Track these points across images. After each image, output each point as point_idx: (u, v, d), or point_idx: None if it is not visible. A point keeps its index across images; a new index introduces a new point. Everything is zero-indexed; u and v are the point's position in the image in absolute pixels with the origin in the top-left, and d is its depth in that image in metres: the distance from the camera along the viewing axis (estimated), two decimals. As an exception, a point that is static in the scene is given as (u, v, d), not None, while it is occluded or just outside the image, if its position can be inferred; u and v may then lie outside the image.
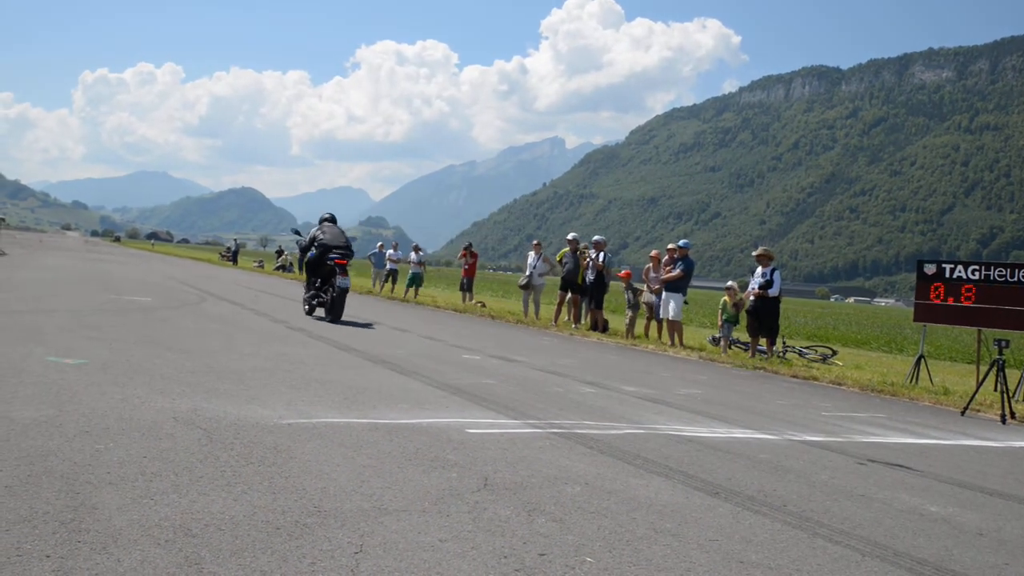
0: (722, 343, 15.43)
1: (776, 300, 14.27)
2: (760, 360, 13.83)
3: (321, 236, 13.81)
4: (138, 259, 42.39)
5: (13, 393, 4.94)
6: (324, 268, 13.58)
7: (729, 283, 16.06)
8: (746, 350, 15.61)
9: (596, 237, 18.01)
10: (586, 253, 17.71)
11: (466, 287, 24.27)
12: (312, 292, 13.88)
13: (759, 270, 14.61)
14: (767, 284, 14.24)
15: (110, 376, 5.90)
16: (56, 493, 3.15)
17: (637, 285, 17.46)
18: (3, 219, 38.40)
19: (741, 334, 17.81)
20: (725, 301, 15.61)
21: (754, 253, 15.37)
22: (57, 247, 52.84)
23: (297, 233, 16.31)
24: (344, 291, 13.18)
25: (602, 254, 17.35)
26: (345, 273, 13.34)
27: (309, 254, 14.02)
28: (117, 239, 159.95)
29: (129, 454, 3.82)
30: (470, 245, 24.51)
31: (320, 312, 14.17)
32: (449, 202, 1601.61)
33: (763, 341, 14.68)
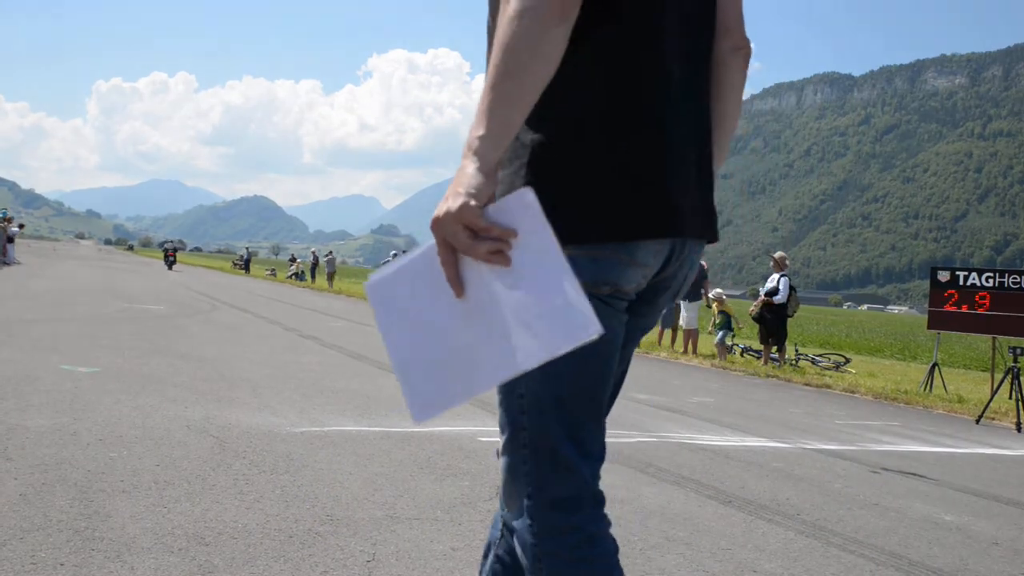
0: (719, 350, 15.38)
1: (783, 307, 14.18)
2: (772, 368, 13.78)
3: None
4: (151, 268, 42.59)
5: (27, 401, 4.96)
6: None
7: (715, 291, 15.97)
8: (759, 358, 15.56)
9: None
10: None
11: None
12: None
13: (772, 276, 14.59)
14: (772, 291, 14.18)
15: (123, 384, 5.93)
16: (70, 501, 3.16)
17: None
18: (23, 225, 38.74)
19: (754, 342, 17.77)
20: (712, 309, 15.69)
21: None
22: (70, 256, 53.17)
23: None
24: None
25: None
26: None
27: None
28: (130, 248, 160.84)
29: (142, 462, 3.84)
30: None
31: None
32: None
33: (774, 349, 14.64)
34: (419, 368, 1.28)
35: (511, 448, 1.49)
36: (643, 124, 1.41)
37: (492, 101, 1.24)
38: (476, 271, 1.22)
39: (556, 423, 1.43)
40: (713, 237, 1.58)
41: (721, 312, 15.41)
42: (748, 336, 20.51)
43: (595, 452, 1.47)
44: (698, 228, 1.50)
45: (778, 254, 14.93)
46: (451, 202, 1.20)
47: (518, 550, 1.48)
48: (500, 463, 1.51)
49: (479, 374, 1.23)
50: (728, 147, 1.75)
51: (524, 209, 1.20)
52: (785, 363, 14.64)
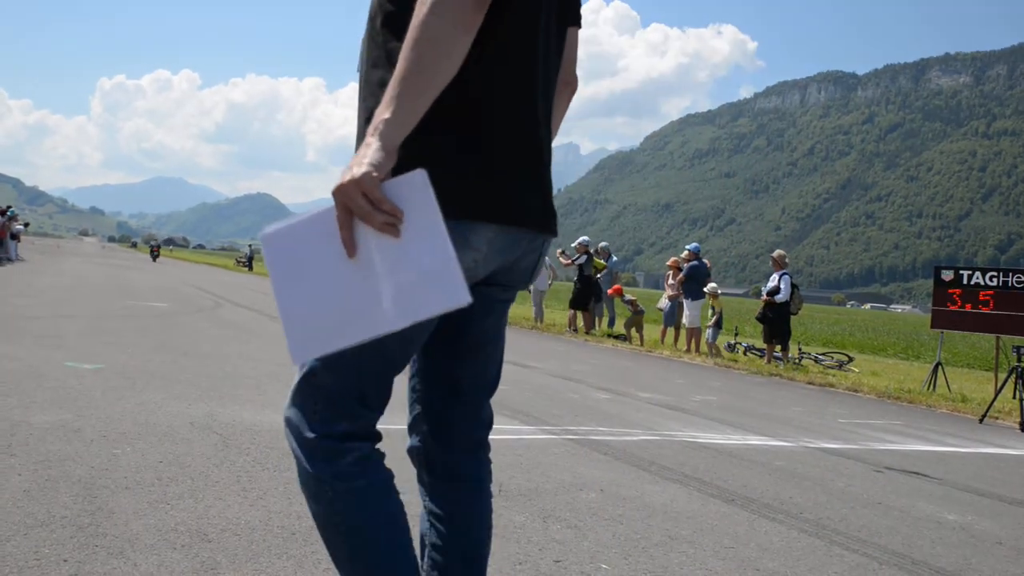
0: (709, 349, 15.38)
1: (785, 306, 14.17)
2: (775, 367, 13.77)
3: None
4: (155, 264, 42.65)
5: (31, 398, 4.97)
6: None
7: (709, 286, 15.92)
8: (762, 357, 15.55)
9: (601, 243, 18.23)
10: (567, 255, 18.13)
11: None
12: None
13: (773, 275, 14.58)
14: (774, 291, 14.18)
15: (127, 381, 5.93)
16: (74, 498, 3.17)
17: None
18: (27, 224, 38.83)
19: (757, 341, 17.76)
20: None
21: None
22: (74, 253, 53.23)
23: None
24: None
25: (583, 256, 17.56)
26: None
27: None
28: (134, 245, 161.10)
29: (146, 459, 3.84)
30: None
31: None
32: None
33: (777, 348, 14.63)
34: (302, 316, 1.42)
35: (306, 377, 1.62)
36: (500, 122, 1.58)
37: (400, 92, 1.39)
38: (367, 237, 1.37)
39: (354, 370, 1.58)
40: (554, 233, 1.76)
41: (711, 307, 15.43)
42: (752, 335, 20.49)
43: (376, 405, 1.65)
44: (539, 223, 1.67)
45: (777, 253, 14.91)
46: (355, 171, 1.35)
47: (290, 444, 1.64)
48: (297, 374, 1.64)
49: (356, 327, 1.38)
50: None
51: (416, 187, 1.36)
52: (788, 362, 14.63)
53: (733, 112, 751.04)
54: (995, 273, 12.19)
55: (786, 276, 14.28)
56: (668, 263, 17.51)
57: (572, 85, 1.90)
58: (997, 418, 9.96)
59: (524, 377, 8.82)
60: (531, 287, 19.71)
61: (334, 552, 1.62)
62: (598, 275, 17.79)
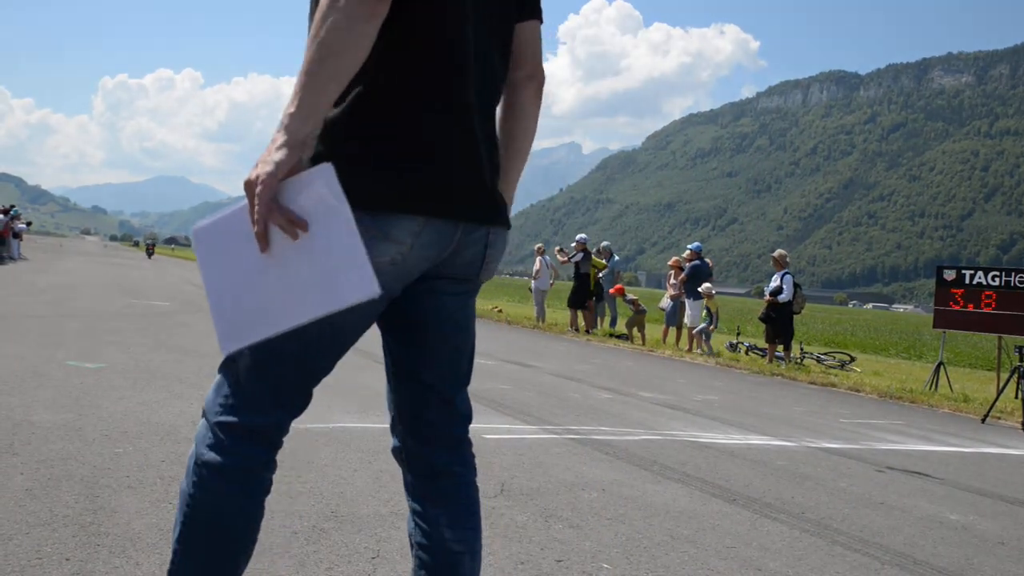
0: (696, 339, 15.37)
1: (788, 305, 14.15)
2: (777, 366, 13.77)
3: None
4: (155, 263, 42.66)
5: (33, 397, 4.98)
6: None
7: (704, 286, 15.84)
8: (763, 356, 15.54)
9: (603, 243, 18.26)
10: (565, 252, 18.18)
11: None
12: None
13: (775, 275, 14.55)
14: (777, 290, 14.16)
15: (129, 380, 5.94)
16: (76, 497, 3.17)
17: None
18: (30, 223, 38.86)
19: (759, 340, 17.74)
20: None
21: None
22: (76, 252, 53.28)
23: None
24: None
25: (580, 254, 17.59)
26: None
27: None
28: (136, 244, 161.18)
29: (148, 458, 3.84)
30: None
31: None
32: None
33: (780, 348, 14.62)
34: (229, 307, 1.49)
35: (227, 363, 1.64)
36: (422, 112, 1.56)
37: (304, 85, 1.40)
38: (281, 231, 1.42)
39: (272, 364, 1.58)
40: (500, 224, 1.72)
41: (706, 307, 15.39)
42: (753, 335, 20.48)
43: (288, 406, 1.65)
44: (472, 214, 1.63)
45: (778, 252, 14.89)
46: (260, 168, 1.38)
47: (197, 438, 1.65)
48: (219, 369, 1.66)
49: (276, 318, 1.44)
50: (522, 163, 1.90)
51: (323, 181, 1.40)
52: (790, 362, 14.62)
53: (735, 111, 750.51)
54: (997, 273, 12.17)
55: (788, 276, 14.25)
56: (670, 262, 17.49)
57: (537, 78, 1.85)
58: (999, 418, 9.95)
59: (526, 377, 8.82)
60: (531, 286, 19.75)
61: (180, 528, 1.61)
62: (599, 275, 17.78)
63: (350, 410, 5.67)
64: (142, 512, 3.07)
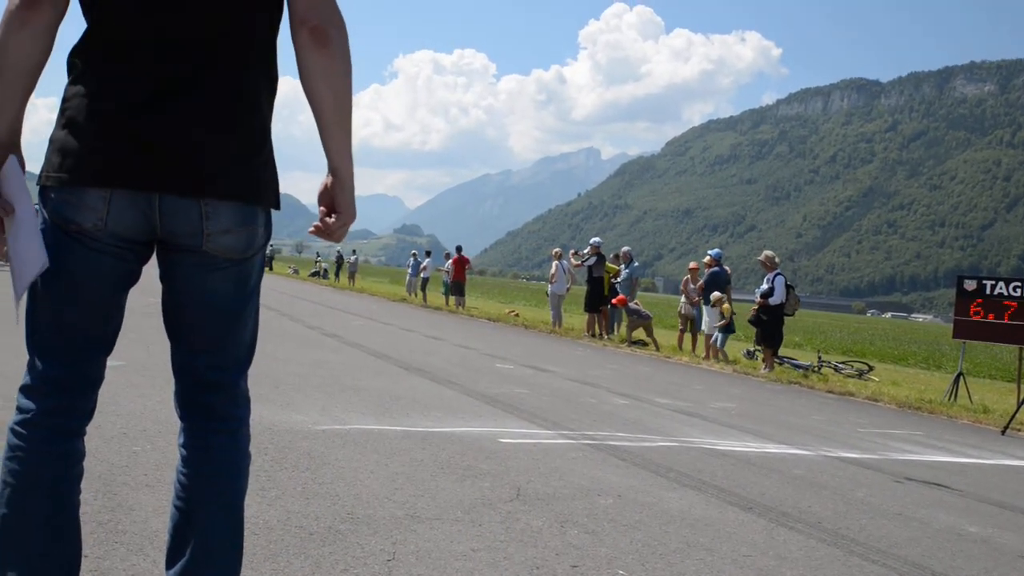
0: (718, 353, 15.25)
1: (779, 308, 13.92)
2: (781, 371, 13.61)
3: None
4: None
5: (53, 394, 5.01)
6: None
7: (715, 293, 15.70)
8: (781, 364, 15.43)
9: (624, 248, 18.24)
10: (580, 255, 18.13)
11: (453, 291, 24.79)
12: None
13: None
14: (768, 292, 13.95)
15: (148, 378, 5.98)
16: (94, 494, 3.19)
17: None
18: None
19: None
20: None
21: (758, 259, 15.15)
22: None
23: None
24: None
25: (594, 257, 17.57)
26: None
27: None
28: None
29: (166, 457, 3.86)
30: (459, 249, 24.97)
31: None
32: (484, 211, 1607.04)
33: (761, 349, 14.41)
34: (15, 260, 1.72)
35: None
36: (84, 91, 1.69)
37: None
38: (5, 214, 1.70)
39: (29, 335, 1.81)
40: (177, 191, 1.72)
41: (720, 314, 15.27)
42: (750, 337, 20.36)
43: (36, 369, 1.81)
44: (142, 182, 1.68)
45: (764, 255, 14.70)
46: None
47: None
48: None
49: (18, 280, 1.70)
50: (342, 130, 1.88)
51: (11, 170, 1.70)
52: (774, 366, 14.21)
53: (755, 118, 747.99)
54: (1019, 283, 12.05)
55: (780, 277, 14.00)
56: (690, 266, 17.40)
57: (309, 23, 1.70)
58: (1020, 430, 9.85)
59: (542, 381, 8.81)
60: (548, 290, 19.72)
61: None
62: (617, 280, 17.71)
63: (366, 412, 5.68)
64: (160, 510, 3.09)
